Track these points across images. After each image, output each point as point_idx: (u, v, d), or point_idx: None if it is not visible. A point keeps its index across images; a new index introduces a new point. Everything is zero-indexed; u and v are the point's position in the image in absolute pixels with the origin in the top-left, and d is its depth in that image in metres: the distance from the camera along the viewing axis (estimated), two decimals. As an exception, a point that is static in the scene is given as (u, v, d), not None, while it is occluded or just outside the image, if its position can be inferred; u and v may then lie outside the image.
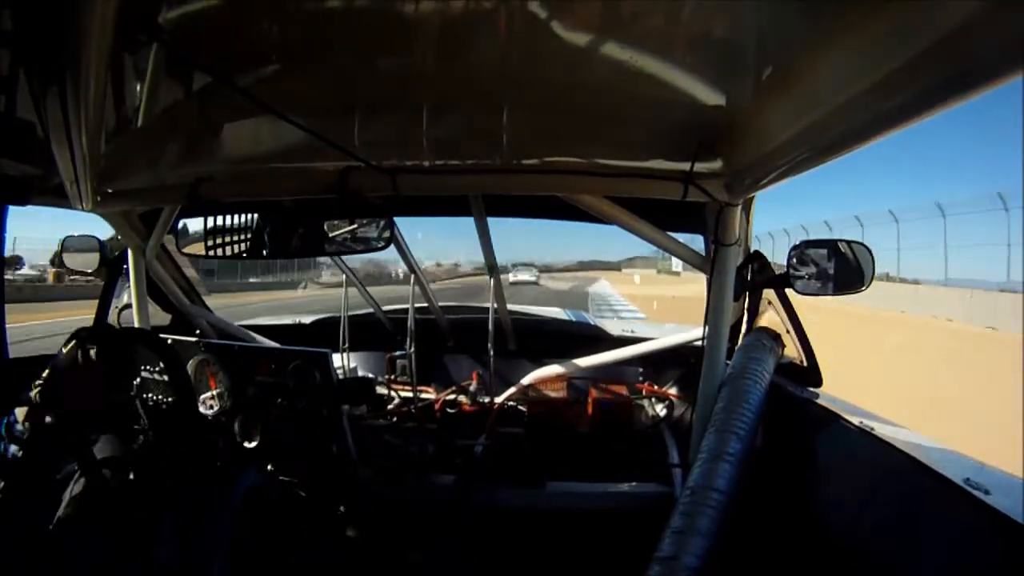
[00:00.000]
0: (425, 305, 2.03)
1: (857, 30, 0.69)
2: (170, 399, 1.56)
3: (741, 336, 1.59)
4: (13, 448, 1.10)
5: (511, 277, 18.20)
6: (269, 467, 1.58)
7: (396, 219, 1.47)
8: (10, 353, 1.60)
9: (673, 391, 1.89)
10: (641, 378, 1.96)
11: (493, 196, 1.61)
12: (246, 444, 1.61)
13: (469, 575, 1.55)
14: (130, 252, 1.80)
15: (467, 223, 1.73)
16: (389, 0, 0.78)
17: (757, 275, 1.51)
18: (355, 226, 1.47)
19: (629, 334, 2.10)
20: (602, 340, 2.03)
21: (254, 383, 1.57)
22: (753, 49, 0.82)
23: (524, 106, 1.08)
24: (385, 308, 2.18)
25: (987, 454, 0.92)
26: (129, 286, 1.83)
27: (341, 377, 1.64)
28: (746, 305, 1.66)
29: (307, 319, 2.36)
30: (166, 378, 1.55)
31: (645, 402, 1.90)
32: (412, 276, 1.90)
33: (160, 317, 2.06)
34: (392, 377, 1.96)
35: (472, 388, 1.92)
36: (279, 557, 1.34)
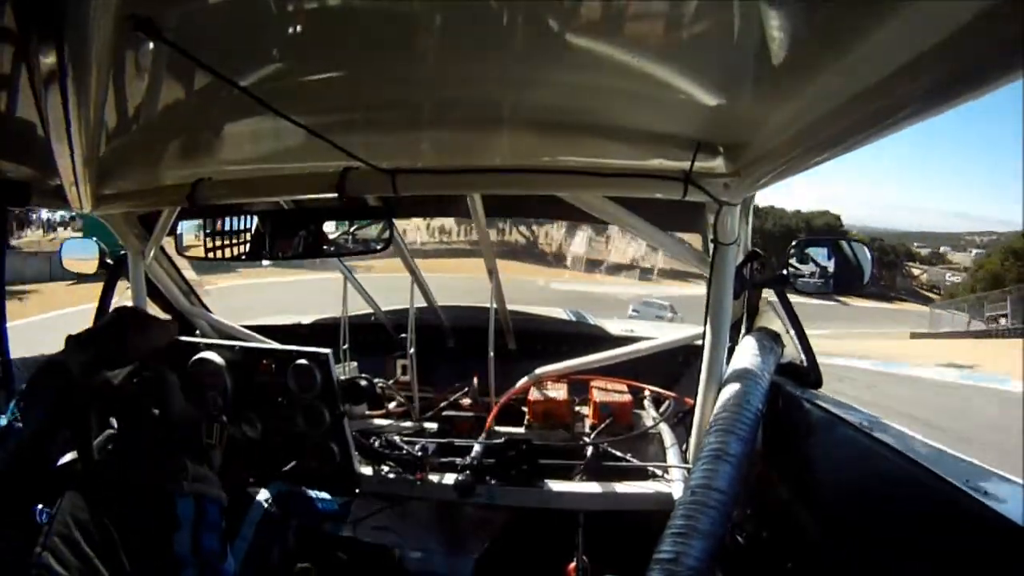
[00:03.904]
0: (425, 305, 2.03)
1: (857, 30, 0.69)
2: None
3: (741, 336, 1.59)
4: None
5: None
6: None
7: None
8: (11, 352, 1.60)
9: (673, 391, 1.88)
10: (641, 378, 1.96)
11: (493, 196, 1.61)
12: (246, 444, 1.61)
13: (469, 575, 1.55)
14: (129, 254, 1.80)
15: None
16: (390, 0, 0.78)
17: (756, 274, 1.51)
18: (354, 227, 1.48)
19: (629, 334, 2.10)
20: (602, 340, 2.02)
21: (254, 383, 1.57)
22: (753, 49, 0.82)
23: (524, 106, 1.08)
24: (385, 309, 2.18)
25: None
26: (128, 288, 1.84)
27: (341, 377, 1.63)
28: (746, 305, 1.66)
29: (307, 319, 2.36)
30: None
31: (645, 402, 1.89)
32: (412, 277, 1.90)
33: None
34: (392, 377, 1.95)
35: (472, 388, 1.92)
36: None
